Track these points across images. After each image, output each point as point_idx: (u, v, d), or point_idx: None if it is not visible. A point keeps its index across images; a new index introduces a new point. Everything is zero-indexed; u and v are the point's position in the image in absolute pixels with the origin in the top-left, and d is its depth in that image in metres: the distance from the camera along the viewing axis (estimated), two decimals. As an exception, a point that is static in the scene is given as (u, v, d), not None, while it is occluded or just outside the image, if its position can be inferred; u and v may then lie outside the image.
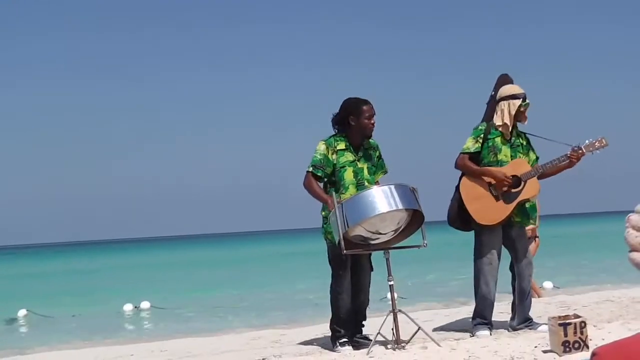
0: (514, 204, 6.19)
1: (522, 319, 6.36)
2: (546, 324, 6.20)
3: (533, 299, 6.76)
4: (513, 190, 6.17)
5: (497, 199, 6.20)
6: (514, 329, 6.32)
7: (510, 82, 6.47)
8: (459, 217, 6.33)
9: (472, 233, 6.40)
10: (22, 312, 16.16)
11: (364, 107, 6.05)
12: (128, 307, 15.84)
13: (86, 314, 15.55)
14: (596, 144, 6.13)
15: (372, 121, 6.10)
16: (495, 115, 6.31)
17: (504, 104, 6.25)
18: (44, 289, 22.81)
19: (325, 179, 6.11)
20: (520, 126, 6.38)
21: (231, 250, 60.40)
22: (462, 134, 6.48)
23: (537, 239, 10.58)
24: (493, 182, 6.19)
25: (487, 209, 6.20)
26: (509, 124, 6.23)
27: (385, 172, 6.32)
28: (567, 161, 6.15)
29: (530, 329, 6.24)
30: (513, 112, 6.22)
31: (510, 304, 6.53)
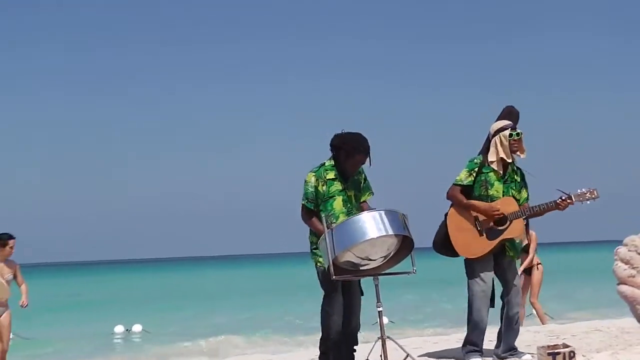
0: (497, 241, 6.19)
1: (507, 347, 6.33)
2: (531, 353, 6.20)
3: (533, 327, 6.74)
4: (498, 228, 6.19)
5: (480, 234, 6.21)
6: (499, 357, 6.29)
7: (516, 113, 6.42)
8: (444, 245, 6.34)
9: (462, 260, 6.39)
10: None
11: (357, 156, 6.01)
12: (119, 329, 15.77)
13: (76, 335, 15.48)
14: (587, 194, 6.12)
15: (356, 170, 6.09)
16: (489, 151, 6.31)
17: (496, 139, 6.25)
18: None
19: (316, 209, 6.10)
20: (520, 162, 6.36)
21: (224, 272, 60.19)
22: (461, 159, 6.49)
23: (539, 265, 10.59)
24: (480, 217, 6.20)
25: (469, 242, 6.22)
26: (506, 158, 6.22)
27: (372, 194, 6.30)
28: (555, 208, 6.16)
29: (514, 357, 6.21)
30: (507, 144, 6.22)
31: (497, 331, 6.51)
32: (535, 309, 10.62)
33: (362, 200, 6.21)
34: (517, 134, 6.21)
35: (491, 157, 6.26)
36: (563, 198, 6.09)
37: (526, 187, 6.40)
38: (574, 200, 6.10)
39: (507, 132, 6.21)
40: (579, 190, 6.13)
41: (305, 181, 6.11)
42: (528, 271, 10.60)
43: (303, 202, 6.09)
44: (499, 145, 6.23)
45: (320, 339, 6.17)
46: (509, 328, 6.33)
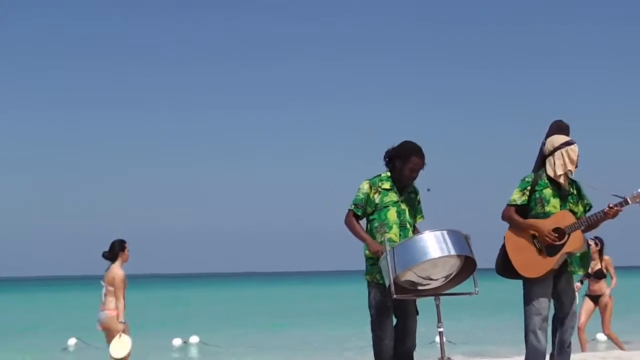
0: (557, 257, 6.08)
1: None
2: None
3: (599, 352, 6.59)
4: (557, 243, 6.07)
5: (540, 251, 6.10)
6: None
7: (566, 127, 6.34)
8: (505, 267, 6.25)
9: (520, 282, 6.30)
10: (72, 341, 16.41)
11: (413, 158, 6.00)
12: (177, 342, 15.94)
13: (136, 346, 15.65)
14: None
15: (414, 175, 6.06)
16: (548, 166, 6.21)
17: (562, 152, 6.16)
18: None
19: (365, 218, 6.11)
20: (583, 176, 6.28)
21: (283, 289, 60.44)
22: (514, 178, 6.40)
23: (611, 297, 10.32)
24: (537, 234, 6.10)
25: (530, 261, 6.11)
26: (572, 169, 6.14)
27: (423, 218, 6.29)
28: (604, 218, 6.03)
29: None
30: (575, 158, 6.14)
31: (550, 355, 6.39)
32: (611, 338, 10.35)
33: (413, 223, 6.19)
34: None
35: (558, 170, 6.15)
36: (610, 206, 5.97)
37: (583, 199, 6.28)
38: (630, 202, 5.94)
39: (575, 147, 6.14)
40: (634, 192, 5.96)
41: (359, 188, 6.13)
42: (595, 298, 10.36)
43: (350, 208, 6.10)
44: (566, 158, 6.14)
45: None
46: (561, 351, 6.25)
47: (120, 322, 8.34)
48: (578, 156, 6.16)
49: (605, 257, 9.98)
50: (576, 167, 6.19)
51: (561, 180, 6.16)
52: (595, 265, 9.96)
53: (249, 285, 79.21)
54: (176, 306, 34.50)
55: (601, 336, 13.78)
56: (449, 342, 12.84)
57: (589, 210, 6.27)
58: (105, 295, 8.43)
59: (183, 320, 22.88)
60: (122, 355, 8.32)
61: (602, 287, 10.31)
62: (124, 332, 8.35)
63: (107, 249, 8.57)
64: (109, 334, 8.44)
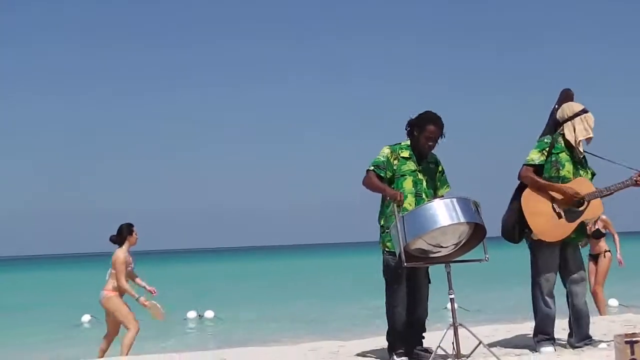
0: (576, 223, 6.09)
1: (581, 337, 6.23)
2: (606, 341, 6.10)
3: (609, 316, 6.62)
4: (576, 209, 6.08)
5: (559, 216, 6.09)
6: (573, 347, 6.19)
7: (572, 96, 6.39)
8: (515, 229, 6.23)
9: (524, 247, 6.34)
10: (86, 318, 16.58)
11: (429, 127, 6.05)
12: (192, 315, 16.10)
13: (150, 319, 15.80)
14: None
15: (430, 143, 6.08)
16: (567, 131, 6.19)
17: (581, 119, 6.16)
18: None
19: (385, 181, 6.14)
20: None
21: (296, 261, 60.70)
22: (522, 147, 6.44)
23: (607, 253, 10.36)
24: (558, 197, 6.09)
25: (549, 225, 6.10)
26: (592, 135, 6.16)
27: (449, 187, 6.33)
28: (632, 185, 6.06)
29: (590, 346, 6.10)
30: (592, 125, 6.16)
31: (567, 320, 6.42)
32: (596, 298, 10.34)
33: (440, 194, 6.21)
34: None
35: (579, 135, 6.16)
36: None
37: (590, 167, 6.33)
38: None
39: (591, 115, 6.17)
40: None
41: (380, 152, 6.18)
42: (595, 258, 10.40)
43: (369, 168, 6.15)
44: (586, 124, 6.16)
45: (387, 331, 6.22)
46: (577, 317, 6.25)
47: (135, 298, 8.47)
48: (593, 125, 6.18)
49: (603, 217, 9.99)
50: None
51: (580, 146, 6.16)
52: (593, 227, 9.97)
53: (266, 257, 79.67)
54: (192, 281, 34.70)
55: (613, 301, 13.83)
56: (461, 308, 12.94)
57: (591, 178, 6.29)
58: (109, 275, 8.58)
59: (199, 295, 23.03)
60: (160, 312, 8.55)
61: (602, 246, 10.37)
62: (144, 303, 8.50)
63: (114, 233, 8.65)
64: (107, 313, 8.62)
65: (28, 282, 43.56)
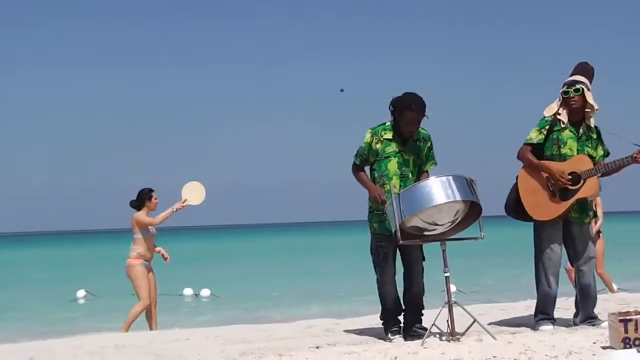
0: (570, 201, 6.04)
1: (585, 316, 6.21)
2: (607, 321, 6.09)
3: (602, 295, 6.56)
4: (571, 188, 6.03)
5: (553, 194, 6.06)
6: (576, 325, 6.18)
7: (590, 70, 6.19)
8: (515, 207, 6.24)
9: (530, 227, 6.30)
10: (80, 293, 16.65)
11: (407, 113, 5.92)
12: (188, 292, 16.17)
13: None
14: None
15: (411, 128, 5.99)
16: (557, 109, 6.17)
17: (560, 96, 6.15)
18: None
19: (368, 166, 6.15)
20: (603, 122, 6.19)
21: (291, 239, 60.79)
22: (529, 125, 6.36)
23: (600, 234, 10.35)
24: (550, 176, 6.07)
25: (542, 204, 6.08)
26: (549, 114, 6.12)
27: (435, 164, 6.26)
28: (632, 162, 5.98)
29: (593, 325, 6.09)
30: (561, 101, 6.10)
31: (574, 300, 6.42)
32: (603, 279, 10.36)
33: (424, 170, 6.18)
34: (576, 90, 6.04)
35: (547, 113, 6.16)
36: None
37: (603, 145, 6.23)
38: None
39: (564, 89, 6.10)
40: None
41: (363, 137, 6.15)
42: None
43: (354, 158, 6.17)
44: (557, 101, 6.14)
45: (381, 309, 6.23)
46: (584, 296, 6.22)
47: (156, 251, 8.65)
48: (568, 98, 6.05)
49: (597, 198, 9.97)
50: (587, 110, 6.08)
51: (562, 123, 6.09)
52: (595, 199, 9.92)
53: (272, 235, 79.70)
54: (194, 259, 34.73)
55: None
56: (459, 291, 12.99)
57: (606, 156, 6.23)
58: (133, 243, 8.63)
59: (198, 273, 23.07)
60: (196, 196, 8.64)
61: (592, 226, 10.35)
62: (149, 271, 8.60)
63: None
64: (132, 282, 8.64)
65: (45, 257, 43.60)
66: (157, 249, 8.82)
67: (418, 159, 6.12)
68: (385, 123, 6.13)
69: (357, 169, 6.18)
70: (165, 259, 8.85)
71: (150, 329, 8.57)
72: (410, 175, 6.03)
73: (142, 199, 8.61)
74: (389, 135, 6.06)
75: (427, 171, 6.20)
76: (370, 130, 6.13)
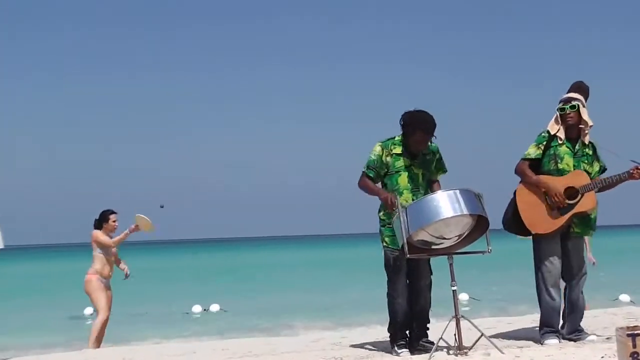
0: (568, 215, 6.09)
1: (571, 329, 6.26)
2: (595, 334, 6.11)
3: (610, 309, 6.58)
4: (569, 202, 6.08)
5: (551, 208, 6.11)
6: (563, 338, 6.21)
7: (585, 89, 6.30)
8: (514, 222, 6.27)
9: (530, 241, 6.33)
10: (88, 311, 16.58)
11: (418, 133, 5.96)
12: (197, 309, 16.07)
13: (156, 313, 15.85)
14: None
15: (420, 147, 6.03)
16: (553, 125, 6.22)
17: (556, 113, 6.21)
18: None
19: (379, 180, 6.14)
20: (601, 139, 6.25)
21: (300, 253, 60.78)
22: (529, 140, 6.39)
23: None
24: (547, 192, 6.11)
25: (540, 217, 6.13)
26: (554, 132, 6.15)
27: (445, 172, 6.28)
28: (628, 178, 6.03)
29: (578, 339, 6.12)
30: (559, 119, 6.16)
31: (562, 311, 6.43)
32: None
33: (434, 179, 6.21)
34: (572, 107, 6.11)
35: (552, 130, 6.19)
36: (638, 166, 5.95)
37: (599, 160, 6.27)
38: None
39: (560, 106, 6.15)
40: None
41: (372, 150, 6.16)
42: None
43: (363, 169, 6.16)
44: (554, 118, 6.19)
45: (389, 322, 6.22)
46: (572, 310, 6.27)
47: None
48: (564, 115, 6.12)
49: None
50: (582, 126, 6.15)
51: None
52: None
53: (281, 248, 79.68)
54: (200, 273, 34.76)
55: (624, 297, 13.83)
56: (473, 299, 12.95)
57: (602, 172, 6.27)
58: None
59: (206, 287, 23.08)
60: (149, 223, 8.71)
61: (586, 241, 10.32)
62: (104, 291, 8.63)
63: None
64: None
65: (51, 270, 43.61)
66: (122, 266, 8.97)
67: (427, 172, 6.16)
68: (394, 137, 6.17)
69: (368, 179, 6.12)
70: (126, 275, 8.98)
71: (92, 344, 8.46)
72: (421, 189, 6.05)
73: (101, 220, 8.81)
74: (399, 150, 6.09)
75: (437, 180, 6.23)
76: (380, 144, 6.15)
